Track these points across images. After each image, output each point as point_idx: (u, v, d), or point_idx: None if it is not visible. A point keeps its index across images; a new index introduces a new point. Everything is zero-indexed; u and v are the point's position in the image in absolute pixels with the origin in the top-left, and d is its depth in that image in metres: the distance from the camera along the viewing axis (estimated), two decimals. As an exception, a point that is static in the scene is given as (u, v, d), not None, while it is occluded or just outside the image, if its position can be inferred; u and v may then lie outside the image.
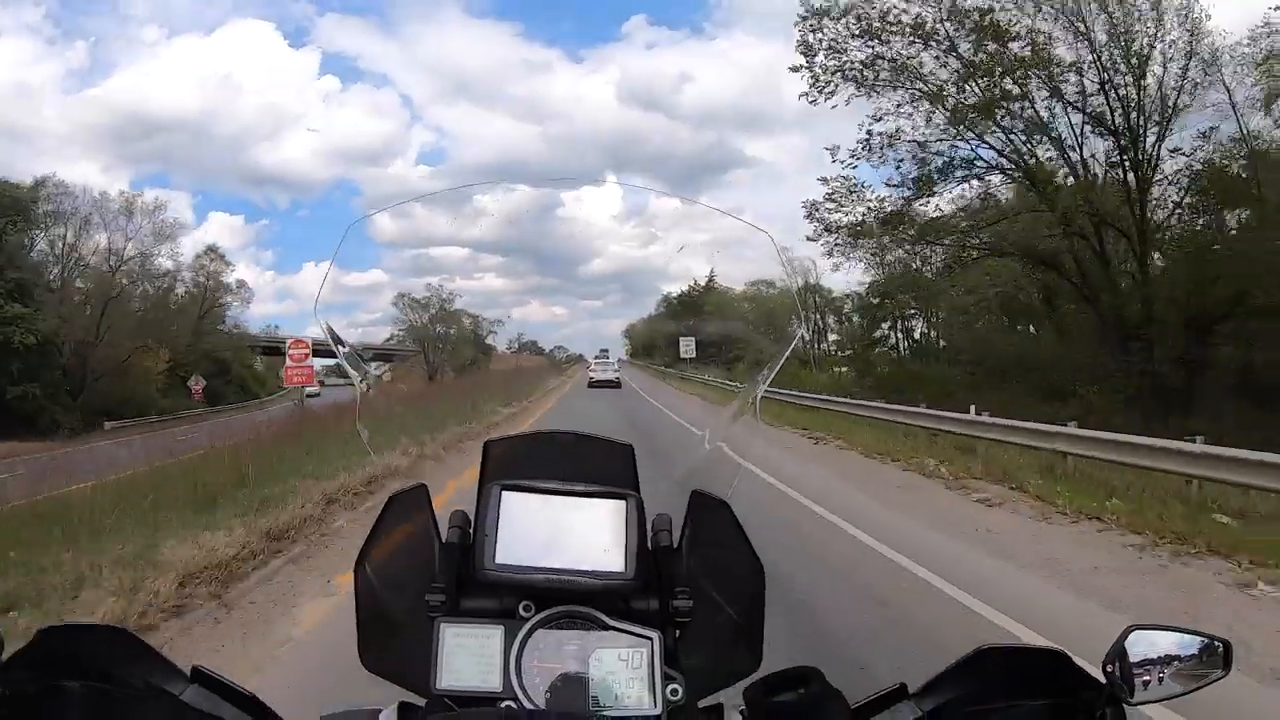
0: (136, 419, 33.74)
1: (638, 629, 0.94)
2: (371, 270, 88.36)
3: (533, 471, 1.01)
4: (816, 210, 22.88)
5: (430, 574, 0.98)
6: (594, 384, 32.55)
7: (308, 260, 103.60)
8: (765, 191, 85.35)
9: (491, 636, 0.93)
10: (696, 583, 1.00)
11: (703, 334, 41.24)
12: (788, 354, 1.30)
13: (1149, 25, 19.21)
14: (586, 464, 1.04)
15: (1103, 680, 0.83)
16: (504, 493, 0.98)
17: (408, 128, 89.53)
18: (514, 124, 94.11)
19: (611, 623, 0.94)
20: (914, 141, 21.74)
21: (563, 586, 0.93)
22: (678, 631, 0.98)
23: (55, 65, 71.47)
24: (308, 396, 21.38)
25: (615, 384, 32.67)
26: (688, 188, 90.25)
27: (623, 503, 0.98)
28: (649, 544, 0.99)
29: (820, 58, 21.25)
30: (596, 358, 35.97)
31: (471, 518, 1.00)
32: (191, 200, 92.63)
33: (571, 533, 0.96)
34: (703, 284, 56.06)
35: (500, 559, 0.94)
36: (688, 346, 39.07)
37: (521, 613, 0.94)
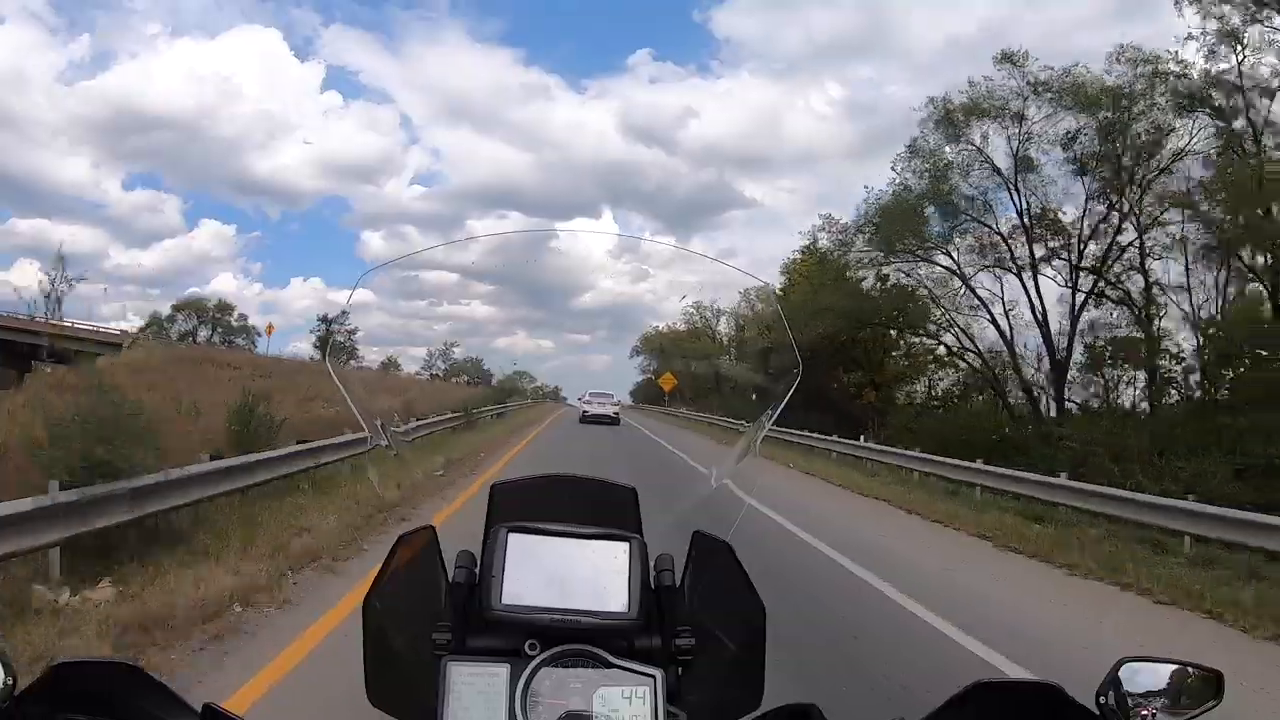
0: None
1: (641, 667, 0.96)
2: (359, 290, 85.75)
3: (539, 514, 1.05)
4: None
5: (437, 613, 1.02)
6: (586, 418, 29.64)
7: (295, 275, 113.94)
8: (761, 234, 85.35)
9: (498, 675, 0.95)
10: (698, 621, 1.04)
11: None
12: (790, 394, 1.29)
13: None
14: (591, 506, 1.13)
15: (1096, 713, 0.87)
16: (510, 535, 1.02)
17: (404, 147, 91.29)
18: (511, 150, 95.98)
19: (615, 661, 0.96)
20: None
21: (567, 626, 0.97)
22: (680, 669, 1.02)
23: (54, 55, 74.14)
24: None
25: (614, 420, 30.42)
26: (683, 226, 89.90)
27: (626, 544, 1.02)
28: (651, 584, 1.04)
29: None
30: (592, 392, 31.82)
31: (478, 558, 1.05)
32: (182, 205, 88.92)
33: (576, 574, 1.00)
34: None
35: (507, 600, 0.98)
36: None
37: (527, 651, 0.97)
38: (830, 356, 26.54)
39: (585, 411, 30.90)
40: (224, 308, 58.52)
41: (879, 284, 27.83)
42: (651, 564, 1.05)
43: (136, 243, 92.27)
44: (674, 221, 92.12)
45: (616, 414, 31.69)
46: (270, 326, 52.69)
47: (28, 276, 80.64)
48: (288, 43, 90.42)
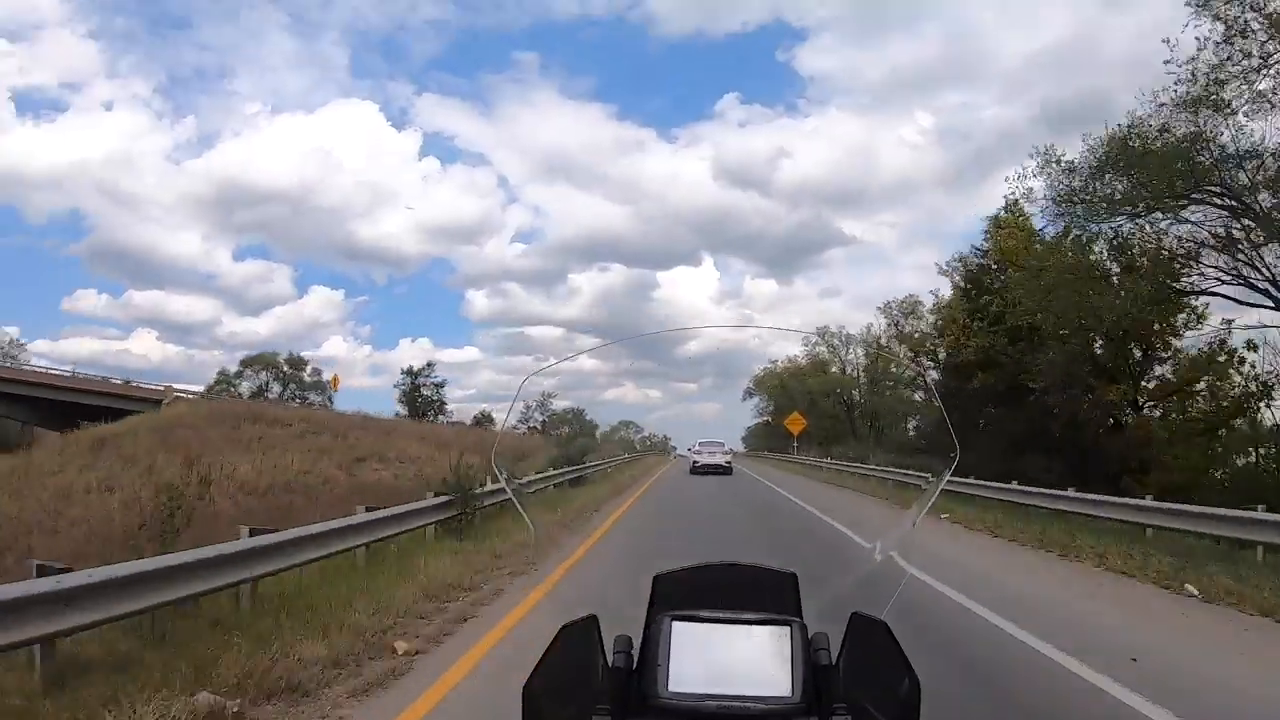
0: None
1: None
2: (466, 348, 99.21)
3: (700, 601, 1.08)
4: None
5: (595, 697, 1.04)
6: (697, 469, 28.60)
7: (403, 337, 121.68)
8: (863, 271, 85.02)
9: None
10: (854, 700, 1.03)
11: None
12: (947, 476, 1.31)
13: None
14: (751, 591, 1.14)
15: None
16: (674, 623, 1.05)
17: (504, 207, 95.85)
18: (609, 203, 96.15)
19: None
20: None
21: (733, 713, 0.99)
22: None
23: (161, 137, 79.18)
24: None
25: (727, 469, 28.97)
26: (784, 267, 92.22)
27: (787, 629, 1.05)
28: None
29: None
30: (702, 442, 30.80)
31: (634, 642, 1.07)
32: (292, 274, 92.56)
33: (739, 660, 1.02)
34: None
35: (673, 687, 1.01)
36: None
37: None
38: (1069, 368, 17.08)
39: (695, 462, 29.40)
40: (296, 363, 54.22)
41: (1114, 251, 18.17)
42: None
43: (249, 311, 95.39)
44: (774, 264, 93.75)
45: (729, 463, 29.88)
46: (335, 379, 47.39)
47: (145, 344, 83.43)
48: (384, 113, 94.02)
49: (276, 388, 53.68)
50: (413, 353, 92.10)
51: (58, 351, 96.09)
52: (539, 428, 58.35)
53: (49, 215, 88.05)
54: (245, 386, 52.08)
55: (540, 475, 17.07)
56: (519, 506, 1.52)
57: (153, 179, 78.00)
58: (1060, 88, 61.16)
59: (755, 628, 1.03)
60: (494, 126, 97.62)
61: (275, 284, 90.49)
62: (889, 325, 41.66)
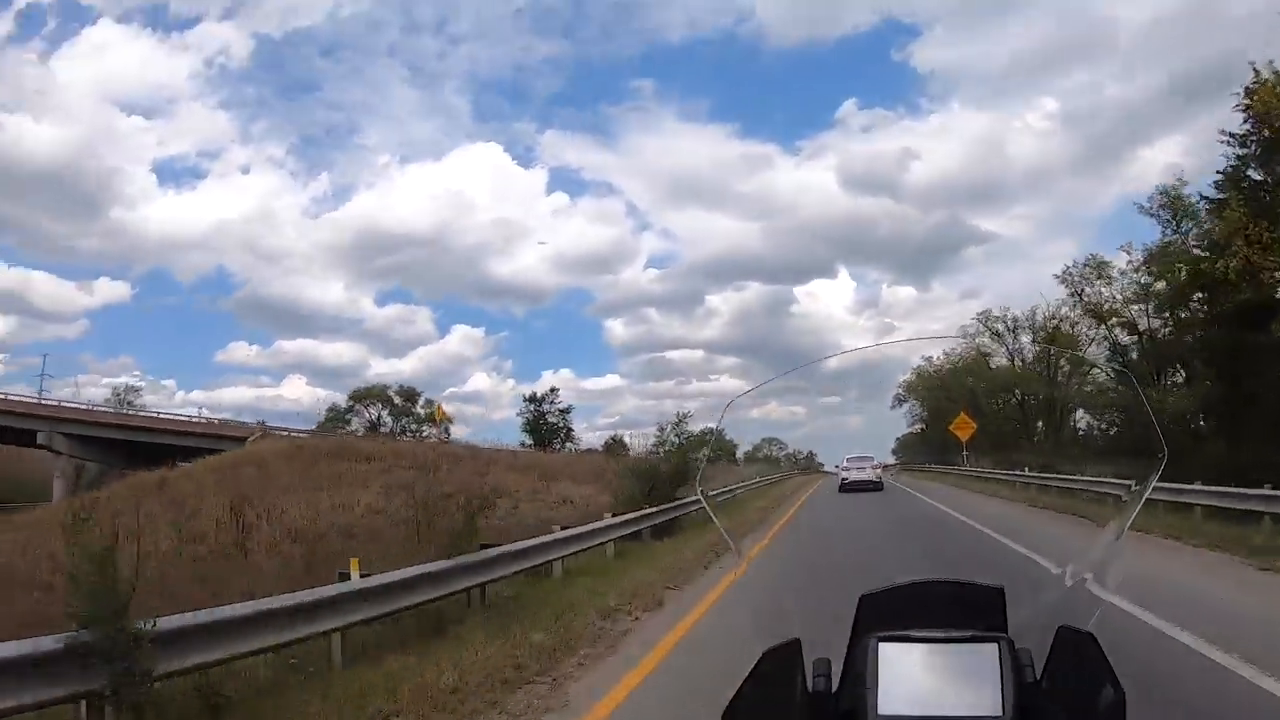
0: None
1: None
2: (608, 375, 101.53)
3: (906, 620, 1.07)
4: None
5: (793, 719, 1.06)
6: (846, 486, 27.87)
7: (545, 369, 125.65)
8: (1001, 268, 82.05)
9: None
10: (1059, 716, 1.02)
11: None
12: (1153, 481, 1.21)
13: None
14: (958, 608, 1.12)
15: None
16: (881, 644, 1.04)
17: (635, 234, 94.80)
18: (738, 221, 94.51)
19: None
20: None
21: None
22: None
23: (298, 195, 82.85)
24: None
25: (877, 484, 28.17)
26: (920, 271, 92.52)
27: (995, 645, 1.03)
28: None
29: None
30: (850, 458, 29.90)
31: (832, 663, 1.10)
32: (433, 315, 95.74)
33: (948, 679, 1.02)
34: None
35: (883, 709, 1.00)
36: None
37: None
38: None
39: (844, 479, 28.54)
40: (409, 395, 52.30)
41: None
42: None
43: (394, 352, 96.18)
44: (910, 269, 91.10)
45: (879, 478, 29.04)
46: (439, 409, 44.75)
47: (296, 389, 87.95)
48: (509, 153, 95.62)
49: (389, 421, 51.94)
50: (554, 383, 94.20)
51: (213, 400, 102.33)
52: (671, 450, 53.90)
53: (198, 274, 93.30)
54: (357, 421, 50.53)
55: (548, 540, 10.07)
56: (711, 515, 1.75)
57: (293, 234, 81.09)
58: (1190, 54, 55.74)
59: (962, 645, 1.03)
60: (618, 156, 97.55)
61: (417, 325, 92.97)
62: (1070, 295, 33.56)
